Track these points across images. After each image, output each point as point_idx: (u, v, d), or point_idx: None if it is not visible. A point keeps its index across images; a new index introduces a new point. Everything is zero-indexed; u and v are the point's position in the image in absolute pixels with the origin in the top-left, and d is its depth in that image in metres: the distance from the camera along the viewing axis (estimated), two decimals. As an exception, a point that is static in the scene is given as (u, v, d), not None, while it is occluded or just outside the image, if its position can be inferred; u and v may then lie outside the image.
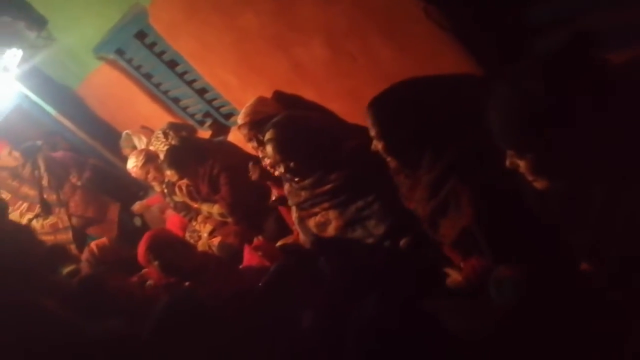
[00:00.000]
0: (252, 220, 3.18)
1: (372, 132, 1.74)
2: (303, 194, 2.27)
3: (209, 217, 3.42)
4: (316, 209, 2.27)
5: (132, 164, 3.73)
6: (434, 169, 1.67)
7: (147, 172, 3.74)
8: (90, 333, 1.68)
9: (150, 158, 3.68)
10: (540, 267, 1.49)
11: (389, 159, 1.77)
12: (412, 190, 1.81)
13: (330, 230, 2.26)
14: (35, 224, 4.16)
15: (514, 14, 1.81)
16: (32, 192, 4.22)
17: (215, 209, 3.21)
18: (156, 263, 2.52)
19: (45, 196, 4.24)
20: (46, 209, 4.23)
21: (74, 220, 4.25)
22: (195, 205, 3.35)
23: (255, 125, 2.68)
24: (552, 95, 1.04)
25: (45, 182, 4.22)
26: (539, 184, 1.19)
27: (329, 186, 2.17)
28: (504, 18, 1.84)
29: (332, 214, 2.22)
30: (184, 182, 3.28)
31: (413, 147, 1.68)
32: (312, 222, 2.33)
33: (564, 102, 1.04)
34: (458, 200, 1.63)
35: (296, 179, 2.26)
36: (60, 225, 4.23)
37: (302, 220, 2.41)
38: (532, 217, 1.40)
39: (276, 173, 2.56)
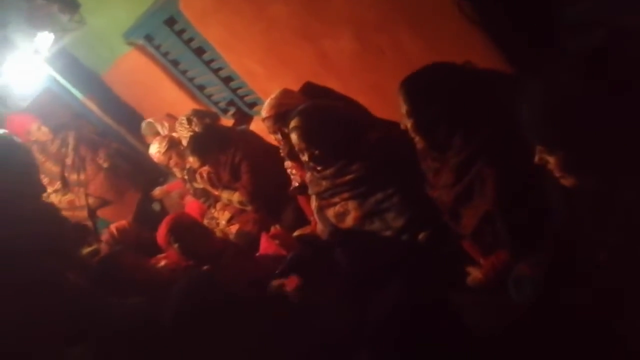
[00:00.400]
0: (271, 209, 3.20)
1: (403, 109, 1.73)
2: (324, 183, 2.27)
3: (228, 204, 3.45)
4: (336, 199, 2.27)
5: (155, 149, 3.78)
6: (462, 151, 1.66)
7: (170, 158, 3.79)
8: (115, 309, 1.71)
9: (173, 144, 3.73)
10: (559, 265, 1.48)
11: (417, 138, 1.76)
12: (438, 175, 1.80)
13: (349, 221, 2.26)
14: (54, 198, 4.28)
15: (547, 13, 1.79)
16: (55, 169, 4.33)
17: (236, 197, 3.23)
18: (176, 245, 2.55)
19: (66, 174, 4.35)
20: (65, 186, 4.36)
21: (91, 200, 4.37)
22: (216, 193, 3.37)
23: (280, 118, 2.67)
24: (590, 93, 1.04)
25: (69, 160, 4.32)
26: (567, 181, 1.19)
27: (350, 176, 2.16)
28: (537, 16, 1.82)
29: (351, 205, 2.22)
30: (205, 169, 3.31)
31: (443, 127, 1.67)
32: (331, 212, 2.33)
33: (601, 100, 1.03)
34: (483, 185, 1.63)
35: (319, 168, 2.26)
36: (77, 203, 4.35)
37: (321, 210, 2.41)
38: (556, 211, 1.39)
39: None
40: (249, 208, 3.27)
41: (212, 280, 2.05)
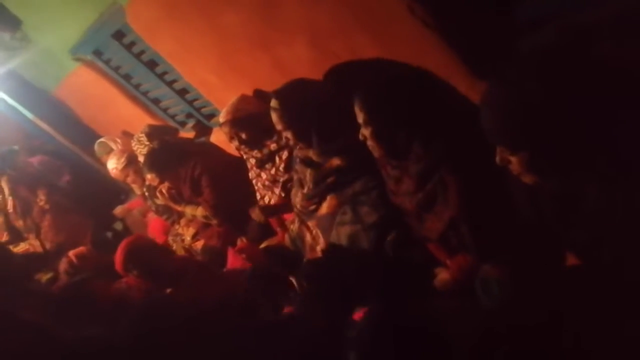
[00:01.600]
0: (236, 222, 3.14)
1: (360, 118, 1.70)
2: (307, 174, 2.23)
3: (192, 219, 3.37)
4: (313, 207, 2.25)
5: (113, 165, 3.67)
6: (423, 158, 1.64)
7: (127, 175, 3.68)
8: (70, 342, 1.63)
9: (131, 160, 3.62)
10: (526, 266, 1.48)
11: (375, 147, 1.73)
12: (399, 183, 1.78)
13: (322, 210, 2.23)
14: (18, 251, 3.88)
15: (499, 10, 1.80)
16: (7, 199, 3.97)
17: (199, 211, 3.16)
18: (135, 272, 2.48)
19: (12, 222, 4.00)
20: (15, 236, 4.01)
21: (48, 246, 4.00)
22: (179, 208, 3.29)
23: (237, 123, 2.64)
24: (548, 94, 1.03)
25: (10, 207, 3.97)
26: (529, 179, 1.18)
27: (337, 162, 2.12)
28: (490, 15, 1.83)
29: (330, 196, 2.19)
30: (165, 186, 3.22)
31: (402, 134, 1.65)
32: (307, 237, 2.32)
33: (560, 100, 1.03)
34: (445, 191, 1.61)
35: (302, 146, 2.21)
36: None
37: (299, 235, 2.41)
38: (521, 212, 1.39)
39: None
40: (213, 222, 3.19)
41: (169, 302, 1.99)
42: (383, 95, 1.66)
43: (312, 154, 2.19)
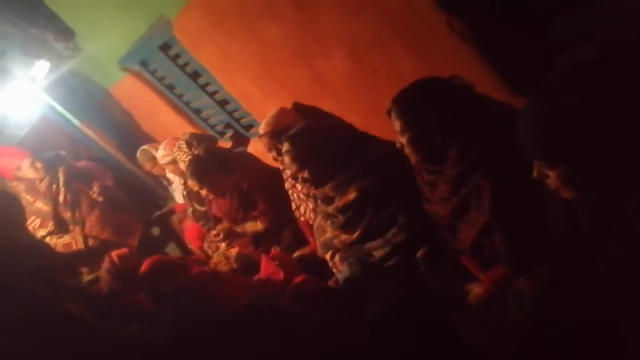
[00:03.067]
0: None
1: (397, 126, 1.74)
2: (330, 210, 2.29)
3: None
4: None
5: (161, 154, 3.83)
6: (458, 163, 1.66)
7: (168, 169, 3.81)
8: (113, 335, 1.70)
9: (174, 161, 3.75)
10: (559, 279, 1.46)
11: (411, 153, 1.76)
12: (434, 189, 1.81)
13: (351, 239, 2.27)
14: (49, 241, 3.96)
15: (538, 28, 1.81)
16: (46, 208, 4.01)
17: (259, 226, 3.23)
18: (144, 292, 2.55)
19: (60, 213, 4.06)
20: (60, 226, 4.06)
21: (90, 241, 4.06)
22: (239, 230, 3.36)
23: (276, 135, 2.72)
24: (587, 108, 1.03)
25: (61, 197, 4.05)
26: (567, 194, 1.18)
27: (353, 195, 2.18)
28: (528, 32, 1.84)
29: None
30: (204, 192, 3.29)
31: (438, 140, 1.68)
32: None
33: (599, 114, 1.03)
34: (480, 197, 1.62)
35: (315, 187, 2.29)
36: (74, 247, 4.03)
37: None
38: (555, 224, 1.38)
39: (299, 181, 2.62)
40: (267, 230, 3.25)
41: (202, 303, 2.04)
42: (418, 101, 1.69)
43: (328, 190, 2.26)
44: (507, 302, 1.62)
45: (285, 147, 2.28)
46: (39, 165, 3.91)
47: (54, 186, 4.00)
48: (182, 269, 2.71)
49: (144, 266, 2.58)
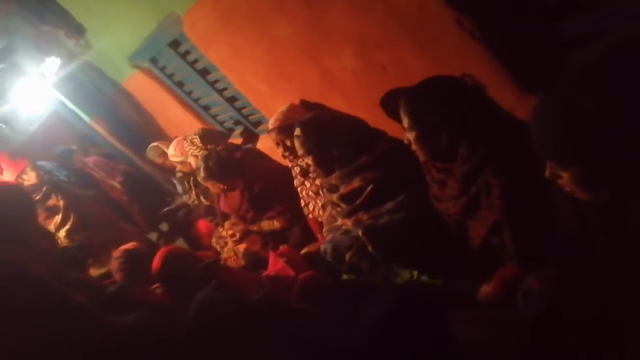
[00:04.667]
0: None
1: (405, 123, 1.74)
2: (335, 198, 2.30)
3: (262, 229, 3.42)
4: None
5: (171, 152, 3.86)
6: (468, 161, 1.66)
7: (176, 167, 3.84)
8: (119, 327, 1.72)
9: (183, 162, 3.77)
10: (568, 278, 1.46)
11: (420, 150, 1.76)
12: (443, 187, 1.81)
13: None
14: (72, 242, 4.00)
15: (548, 27, 1.80)
16: (60, 202, 4.06)
17: (276, 224, 3.25)
18: (162, 284, 2.55)
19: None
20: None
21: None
22: (255, 228, 3.37)
23: (284, 130, 2.73)
24: (599, 108, 1.03)
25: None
26: (580, 195, 1.17)
27: (358, 184, 2.19)
28: (539, 30, 1.83)
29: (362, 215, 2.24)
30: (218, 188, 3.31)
31: (446, 137, 1.68)
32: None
33: (611, 114, 1.03)
34: (490, 195, 1.63)
35: (322, 174, 2.30)
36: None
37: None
38: (564, 222, 1.38)
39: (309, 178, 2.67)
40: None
41: (228, 293, 2.05)
42: (427, 99, 1.69)
43: (333, 179, 2.27)
44: (516, 300, 1.62)
45: (297, 131, 2.31)
46: (32, 174, 3.95)
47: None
48: (197, 261, 2.74)
49: (160, 255, 2.59)
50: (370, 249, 2.10)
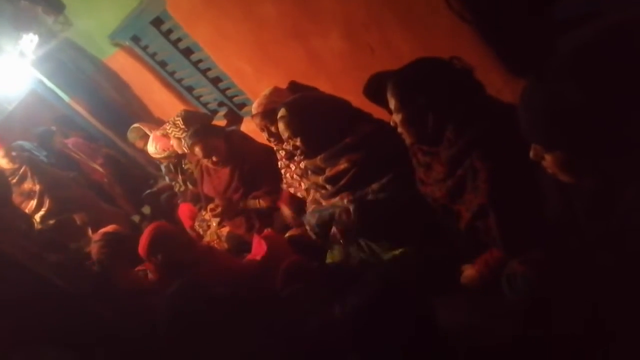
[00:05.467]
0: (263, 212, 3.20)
1: (392, 104, 1.72)
2: (320, 180, 2.28)
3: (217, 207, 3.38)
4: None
5: (152, 150, 3.79)
6: (454, 144, 1.65)
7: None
8: (100, 310, 1.69)
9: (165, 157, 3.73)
10: (553, 262, 1.47)
11: (406, 133, 1.75)
12: (429, 170, 1.79)
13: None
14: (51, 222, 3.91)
15: (539, 8, 1.78)
16: (36, 187, 3.93)
17: (262, 203, 3.21)
18: (157, 258, 2.51)
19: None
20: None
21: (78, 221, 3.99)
22: (241, 205, 3.32)
23: (268, 116, 2.68)
24: (586, 93, 1.02)
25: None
26: (563, 178, 1.17)
27: (344, 165, 2.17)
28: (528, 12, 1.81)
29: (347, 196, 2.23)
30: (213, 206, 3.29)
31: (433, 120, 1.66)
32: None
33: (597, 99, 1.02)
34: (475, 178, 1.61)
35: (306, 156, 2.28)
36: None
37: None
38: (550, 207, 1.37)
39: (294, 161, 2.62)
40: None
41: (198, 285, 2.02)
42: (415, 81, 1.67)
43: (319, 160, 2.24)
44: (500, 285, 1.62)
45: (281, 112, 2.26)
46: (13, 153, 3.85)
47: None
48: (187, 239, 2.71)
49: (149, 230, 2.55)
50: (355, 221, 2.09)
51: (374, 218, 2.06)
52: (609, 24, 1.11)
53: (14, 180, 3.82)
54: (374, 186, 2.10)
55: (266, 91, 2.75)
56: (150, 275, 2.72)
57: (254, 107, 2.76)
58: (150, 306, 2.22)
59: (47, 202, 3.89)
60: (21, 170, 3.87)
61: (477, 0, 1.84)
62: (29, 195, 3.89)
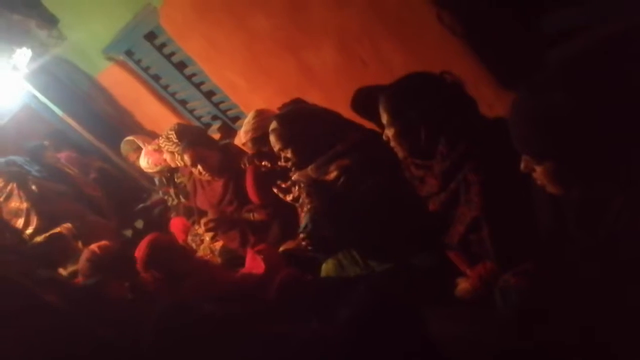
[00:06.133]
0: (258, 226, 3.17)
1: (384, 119, 1.73)
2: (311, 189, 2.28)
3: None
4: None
5: (144, 165, 3.76)
6: (447, 158, 1.65)
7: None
8: (92, 327, 1.66)
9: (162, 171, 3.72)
10: (546, 274, 1.46)
11: (398, 147, 1.75)
12: (422, 184, 1.80)
13: None
14: (40, 239, 3.79)
15: (528, 22, 1.80)
16: (24, 205, 3.83)
17: (256, 217, 3.18)
18: (154, 270, 2.49)
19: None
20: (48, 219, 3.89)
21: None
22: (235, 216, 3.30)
23: (258, 141, 2.71)
24: (576, 105, 1.03)
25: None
26: (553, 189, 1.18)
27: (334, 174, 2.17)
28: (518, 26, 1.83)
29: None
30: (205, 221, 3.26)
31: (425, 134, 1.67)
32: None
33: (587, 111, 1.02)
34: (468, 192, 1.62)
35: (299, 167, 2.28)
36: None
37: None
38: (542, 219, 1.38)
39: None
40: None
41: (184, 305, 1.99)
42: (406, 95, 1.68)
43: (310, 170, 2.24)
44: (493, 297, 1.61)
45: (273, 125, 2.27)
46: None
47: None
48: (183, 251, 2.69)
49: (147, 242, 2.53)
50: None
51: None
52: (598, 37, 1.12)
53: (1, 199, 3.77)
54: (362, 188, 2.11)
55: (249, 117, 2.76)
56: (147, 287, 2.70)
57: (242, 136, 2.77)
58: (142, 317, 2.19)
59: (35, 219, 3.83)
60: (8, 188, 3.80)
61: (468, 14, 1.85)
62: (17, 214, 3.84)
